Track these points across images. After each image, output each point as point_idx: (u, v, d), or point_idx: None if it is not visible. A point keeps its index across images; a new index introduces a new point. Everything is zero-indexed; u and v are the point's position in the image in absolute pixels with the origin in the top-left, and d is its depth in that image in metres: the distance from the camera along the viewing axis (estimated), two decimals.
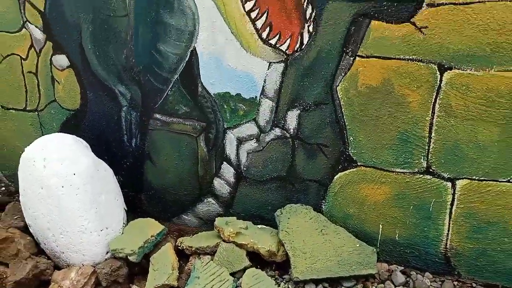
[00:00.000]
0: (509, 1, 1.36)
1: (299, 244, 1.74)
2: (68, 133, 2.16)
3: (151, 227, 1.98)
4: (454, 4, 1.42)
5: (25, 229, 2.03)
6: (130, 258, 1.83)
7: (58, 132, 2.24)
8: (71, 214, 1.83)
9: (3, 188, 2.38)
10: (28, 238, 1.99)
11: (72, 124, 2.22)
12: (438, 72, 1.50)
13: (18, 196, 2.10)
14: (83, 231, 1.85)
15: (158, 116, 2.00)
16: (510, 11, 1.37)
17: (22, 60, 2.19)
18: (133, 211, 2.16)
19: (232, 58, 1.77)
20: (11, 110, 2.34)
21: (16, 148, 2.36)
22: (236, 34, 1.73)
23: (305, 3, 1.60)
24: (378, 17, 1.52)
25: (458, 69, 1.47)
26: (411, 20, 1.48)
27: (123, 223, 2.00)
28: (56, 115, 2.23)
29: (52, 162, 1.84)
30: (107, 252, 1.87)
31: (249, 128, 1.86)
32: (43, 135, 2.27)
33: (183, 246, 1.91)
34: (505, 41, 1.40)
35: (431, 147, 1.59)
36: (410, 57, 1.52)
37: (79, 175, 1.84)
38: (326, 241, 1.75)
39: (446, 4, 1.43)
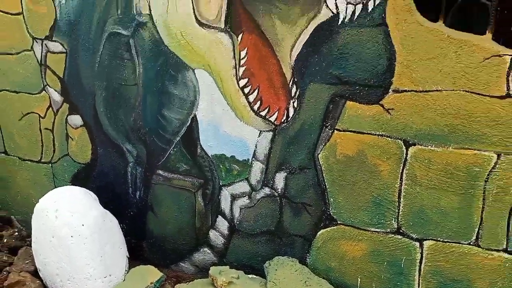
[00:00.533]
0: (462, 90, 1.60)
1: None
2: (78, 183, 2.40)
3: (150, 274, 2.17)
4: (415, 91, 1.66)
5: (35, 273, 2.22)
6: None
7: (69, 182, 2.47)
8: (79, 262, 2.03)
9: (16, 233, 2.58)
10: (38, 282, 2.18)
11: (82, 176, 2.44)
12: (404, 147, 1.73)
13: (30, 241, 2.30)
14: (89, 278, 2.04)
15: (160, 172, 2.23)
16: (463, 99, 1.61)
17: (41, 118, 2.44)
18: (135, 257, 2.35)
19: (228, 125, 2.01)
20: (27, 161, 2.57)
21: (30, 196, 2.58)
22: (232, 106, 1.98)
23: (290, 83, 1.85)
24: (352, 98, 1.76)
25: (421, 145, 1.70)
26: (380, 102, 1.72)
27: (125, 270, 2.19)
28: (68, 168, 2.46)
29: (63, 214, 2.06)
30: None
31: (242, 186, 2.08)
32: (55, 185, 2.50)
33: None
34: (460, 123, 1.63)
35: (400, 210, 1.79)
36: (380, 133, 1.75)
37: (87, 226, 2.05)
38: None
39: (408, 91, 1.67)
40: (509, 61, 1.52)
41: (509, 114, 1.56)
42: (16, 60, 2.40)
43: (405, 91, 1.68)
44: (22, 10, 2.30)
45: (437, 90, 1.64)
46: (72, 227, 2.04)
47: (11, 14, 2.33)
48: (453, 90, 1.61)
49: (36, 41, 2.32)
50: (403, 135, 1.72)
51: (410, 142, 1.72)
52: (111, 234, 2.16)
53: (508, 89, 1.54)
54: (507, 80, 1.54)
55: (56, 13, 2.22)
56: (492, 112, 1.58)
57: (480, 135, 1.61)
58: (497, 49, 1.53)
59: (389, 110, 1.72)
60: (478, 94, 1.58)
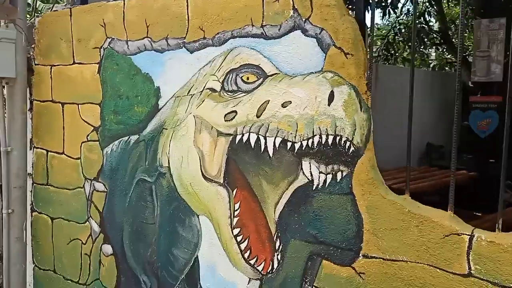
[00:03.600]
0: (426, 264, 1.61)
1: None
2: None
3: None
4: (383, 259, 1.71)
5: None
6: None
7: None
8: None
9: None
10: None
11: None
12: None
13: None
14: None
15: None
16: (428, 273, 1.61)
17: (82, 244, 2.83)
18: None
19: (223, 269, 2.17)
20: (68, 281, 2.93)
21: None
22: (226, 251, 2.16)
23: (275, 237, 2.00)
24: (328, 258, 1.85)
25: None
26: (352, 265, 1.78)
27: None
28: None
29: None
30: None
31: None
32: None
33: None
34: None
35: None
36: None
37: None
38: None
39: (377, 257, 1.72)
40: (468, 240, 1.53)
41: None
42: (72, 194, 2.89)
43: (374, 257, 1.73)
44: (81, 156, 2.83)
45: (403, 261, 1.67)
46: None
47: (74, 158, 2.87)
48: (418, 262, 1.63)
49: (87, 180, 2.80)
50: None
51: None
52: None
53: (469, 268, 1.53)
54: (468, 259, 1.53)
55: (103, 160, 2.70)
56: None
57: None
58: (456, 228, 1.56)
59: (361, 274, 1.76)
60: (442, 270, 1.58)
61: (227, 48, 2.11)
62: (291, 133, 1.91)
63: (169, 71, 2.36)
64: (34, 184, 3.16)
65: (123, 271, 2.63)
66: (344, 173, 1.79)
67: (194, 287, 2.30)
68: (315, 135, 1.85)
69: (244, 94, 2.06)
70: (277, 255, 2.00)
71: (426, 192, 3.87)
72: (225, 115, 2.13)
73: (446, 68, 11.03)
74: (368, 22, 5.45)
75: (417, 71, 7.85)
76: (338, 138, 1.79)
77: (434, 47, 10.87)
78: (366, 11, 5.60)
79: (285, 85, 1.93)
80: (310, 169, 1.88)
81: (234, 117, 2.10)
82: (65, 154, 2.93)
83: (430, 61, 12.00)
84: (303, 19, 1.86)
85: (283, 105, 1.94)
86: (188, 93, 2.28)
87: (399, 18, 9.62)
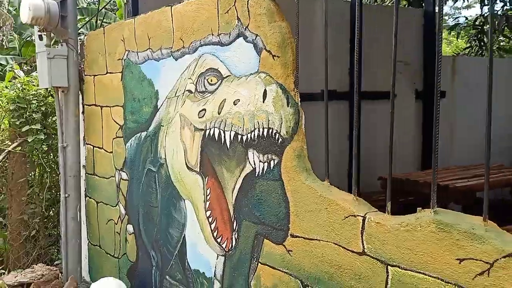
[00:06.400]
0: (333, 243, 1.77)
1: None
2: (130, 276, 3.17)
3: None
4: (304, 238, 1.90)
5: None
6: None
7: (125, 275, 3.27)
8: None
9: None
10: None
11: (132, 271, 3.21)
12: (301, 286, 1.92)
13: None
14: None
15: (168, 278, 2.81)
16: (334, 251, 1.77)
17: (115, 224, 3.39)
18: None
19: (201, 247, 2.51)
20: (108, 254, 3.52)
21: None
22: (202, 230, 2.50)
23: (233, 218, 2.28)
24: (267, 237, 2.08)
25: (310, 287, 1.87)
26: (283, 243, 2.00)
27: None
28: (125, 263, 3.28)
29: None
30: None
31: None
32: (119, 275, 3.34)
33: None
34: (335, 272, 1.77)
35: None
36: (285, 271, 1.99)
37: None
38: None
39: (300, 237, 1.92)
40: (361, 221, 1.67)
41: (367, 271, 1.66)
42: (108, 182, 3.47)
43: (298, 236, 1.93)
44: (112, 150, 3.39)
45: (317, 240, 1.85)
46: None
47: (108, 152, 3.45)
48: (327, 241, 1.80)
49: (117, 171, 3.35)
50: (299, 276, 1.93)
51: (305, 284, 1.90)
52: None
53: (363, 247, 1.67)
54: (362, 239, 1.67)
55: (125, 153, 3.22)
56: (355, 267, 1.70)
57: (350, 287, 1.72)
58: (353, 210, 1.70)
59: (289, 252, 1.97)
60: (344, 248, 1.74)
61: (198, 55, 2.45)
62: (240, 127, 2.19)
63: (164, 77, 2.77)
64: (86, 174, 3.83)
65: (140, 247, 3.11)
66: (275, 161, 2.02)
67: (183, 262, 2.68)
68: (255, 129, 2.10)
69: (209, 94, 2.38)
70: (235, 234, 2.28)
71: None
72: (198, 113, 2.47)
73: None
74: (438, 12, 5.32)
75: (502, 61, 7.24)
76: (270, 130, 2.02)
77: None
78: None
79: (235, 85, 2.21)
80: (253, 158, 2.13)
81: (204, 114, 2.43)
82: (103, 149, 3.53)
83: None
84: (244, 27, 2.12)
85: (234, 103, 2.21)
86: (175, 94, 2.66)
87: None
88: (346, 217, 1.72)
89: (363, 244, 1.67)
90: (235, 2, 2.15)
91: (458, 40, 9.92)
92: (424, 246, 1.47)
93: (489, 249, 1.32)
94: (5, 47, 9.15)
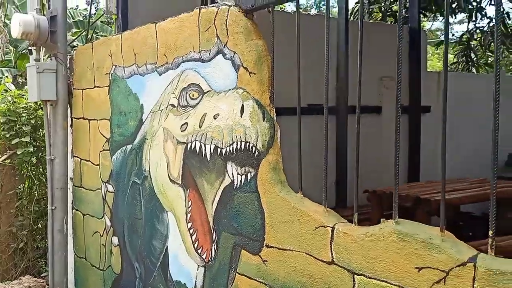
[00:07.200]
0: (305, 253, 1.83)
1: None
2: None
3: None
4: (278, 248, 1.96)
5: None
6: None
7: (110, 287, 3.30)
8: None
9: None
10: None
11: (116, 283, 3.24)
12: None
13: None
14: None
15: None
16: (306, 260, 1.83)
17: (100, 236, 3.43)
18: None
19: (182, 258, 2.56)
20: (94, 267, 3.55)
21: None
22: (184, 242, 2.55)
23: (212, 230, 2.34)
24: (245, 248, 2.14)
25: None
26: (259, 254, 2.06)
27: None
28: (110, 275, 3.32)
29: None
30: None
31: None
32: (104, 285, 3.36)
33: None
34: (306, 281, 1.83)
35: None
36: (261, 281, 2.05)
37: None
38: None
39: (274, 247, 1.98)
40: (331, 231, 1.74)
41: (336, 280, 1.72)
42: (94, 194, 3.52)
43: (273, 247, 1.99)
44: (99, 163, 3.45)
45: (290, 250, 1.91)
46: None
47: (95, 164, 3.51)
48: (299, 251, 1.86)
49: (103, 183, 3.40)
50: (274, 285, 1.98)
51: None
52: None
53: (332, 256, 1.73)
54: (331, 249, 1.73)
55: (112, 165, 3.27)
56: (325, 276, 1.76)
57: None
58: (323, 221, 1.77)
59: (265, 262, 2.03)
60: (314, 257, 1.80)
61: (180, 70, 2.53)
62: (219, 141, 2.26)
63: (148, 91, 2.85)
64: (74, 186, 3.87)
65: (124, 258, 3.15)
66: (252, 174, 2.09)
67: (165, 273, 2.73)
68: (234, 142, 2.17)
69: (191, 108, 2.46)
70: (214, 245, 2.34)
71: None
72: (181, 126, 2.54)
73: None
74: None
75: (490, 76, 7.40)
76: (247, 144, 2.10)
77: None
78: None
79: (215, 100, 2.29)
80: (232, 171, 2.20)
81: (186, 128, 2.50)
82: (90, 162, 3.58)
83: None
84: (223, 45, 2.21)
85: (214, 117, 2.29)
86: (159, 108, 2.74)
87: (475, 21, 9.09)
88: (317, 228, 1.79)
89: (332, 253, 1.73)
90: (214, 21, 2.24)
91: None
92: (387, 255, 1.54)
93: (445, 258, 1.38)
94: (0, 59, 9.24)
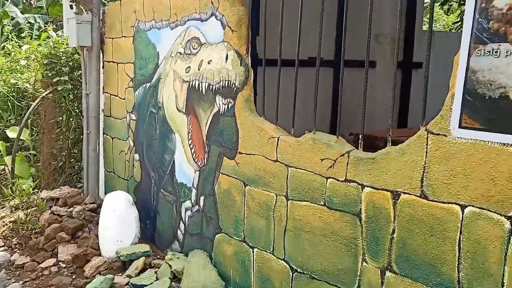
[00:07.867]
0: (262, 156, 2.75)
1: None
2: (136, 192, 4.24)
3: (142, 247, 3.76)
4: (246, 154, 2.88)
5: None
6: (121, 258, 3.63)
7: (132, 192, 4.34)
8: (109, 230, 3.81)
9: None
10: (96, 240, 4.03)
11: (137, 188, 4.28)
12: (244, 186, 2.92)
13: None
14: (110, 237, 3.78)
15: (162, 191, 3.86)
16: (262, 161, 2.76)
17: (125, 154, 4.44)
18: (145, 237, 3.99)
19: (185, 165, 3.53)
20: (120, 178, 4.59)
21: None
22: (186, 154, 3.51)
23: (205, 144, 3.28)
24: (226, 155, 3.08)
25: (249, 186, 2.87)
26: (234, 158, 2.99)
27: (132, 242, 3.84)
28: (132, 184, 4.35)
29: (113, 203, 3.91)
30: (116, 252, 3.74)
31: (188, 203, 3.52)
32: (128, 190, 4.41)
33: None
34: (262, 175, 2.76)
35: (244, 226, 2.94)
36: (235, 176, 2.99)
37: (118, 211, 3.84)
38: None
39: (244, 153, 2.90)
40: (277, 140, 2.64)
41: (278, 172, 2.64)
42: (121, 122, 4.49)
43: (243, 153, 2.92)
44: (125, 97, 4.39)
45: (253, 154, 2.83)
46: (113, 208, 3.86)
47: (122, 99, 4.45)
48: (259, 155, 2.78)
49: (128, 113, 4.35)
50: (243, 179, 2.92)
51: (245, 184, 2.90)
52: (129, 220, 3.89)
53: (276, 156, 2.64)
54: (276, 151, 2.65)
55: (135, 99, 4.21)
56: (272, 169, 2.68)
57: (269, 182, 2.71)
58: (272, 134, 2.67)
59: (238, 164, 2.96)
60: (267, 158, 2.72)
61: (186, 27, 3.38)
62: (211, 80, 3.14)
63: (163, 41, 3.71)
64: (104, 116, 4.85)
65: (143, 170, 4.16)
66: (232, 104, 2.98)
67: (172, 178, 3.72)
68: (221, 81, 3.05)
69: (193, 55, 3.33)
70: (206, 155, 3.29)
71: None
72: (185, 69, 3.42)
73: None
74: None
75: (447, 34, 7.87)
76: (229, 82, 2.98)
77: None
78: None
79: (209, 50, 3.15)
80: (219, 101, 3.10)
81: (189, 70, 3.39)
82: (118, 96, 4.53)
83: None
84: (215, 9, 3.04)
85: (208, 62, 3.16)
86: (170, 55, 3.62)
87: None
88: (269, 138, 2.70)
89: (277, 154, 2.65)
90: None
91: (449, 15, 10.48)
92: (306, 153, 2.45)
93: (335, 152, 2.28)
94: (33, 6, 10.07)
